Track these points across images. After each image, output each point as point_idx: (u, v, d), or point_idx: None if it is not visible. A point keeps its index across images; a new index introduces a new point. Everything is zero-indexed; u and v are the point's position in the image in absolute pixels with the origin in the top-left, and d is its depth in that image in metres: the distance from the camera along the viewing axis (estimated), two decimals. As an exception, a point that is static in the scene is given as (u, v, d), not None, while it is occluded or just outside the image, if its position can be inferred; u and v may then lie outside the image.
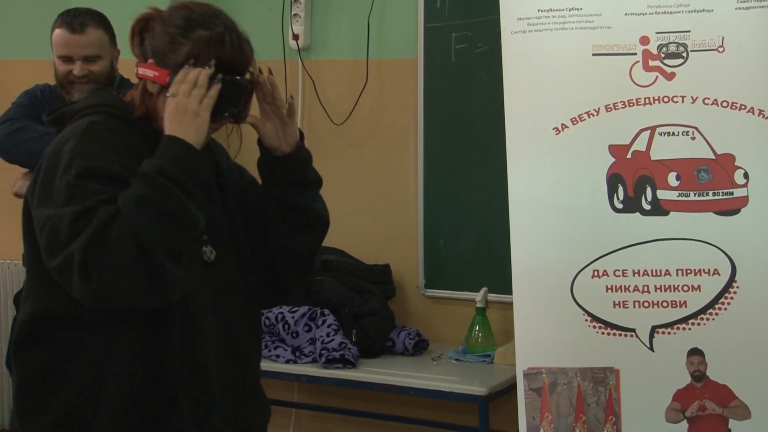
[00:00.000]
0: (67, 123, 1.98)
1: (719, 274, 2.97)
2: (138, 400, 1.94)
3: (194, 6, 1.97)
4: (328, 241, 3.87)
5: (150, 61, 1.93)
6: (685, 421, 2.95)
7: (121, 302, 1.83)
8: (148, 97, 1.95)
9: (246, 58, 1.95)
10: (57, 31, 3.30)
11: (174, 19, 1.94)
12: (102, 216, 1.78)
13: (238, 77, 1.94)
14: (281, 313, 3.66)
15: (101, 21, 3.31)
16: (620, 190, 3.03)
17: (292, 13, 3.91)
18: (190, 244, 1.87)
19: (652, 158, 3.04)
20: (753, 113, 3.01)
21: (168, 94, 1.86)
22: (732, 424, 2.95)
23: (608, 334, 2.97)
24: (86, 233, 1.77)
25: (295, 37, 3.91)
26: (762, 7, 3.03)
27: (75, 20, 3.27)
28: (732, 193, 3.00)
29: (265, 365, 3.53)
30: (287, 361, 3.58)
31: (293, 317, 3.61)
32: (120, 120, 1.95)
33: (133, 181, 1.81)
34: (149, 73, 1.92)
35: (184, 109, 1.87)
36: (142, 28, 1.97)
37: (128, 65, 3.40)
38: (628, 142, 3.05)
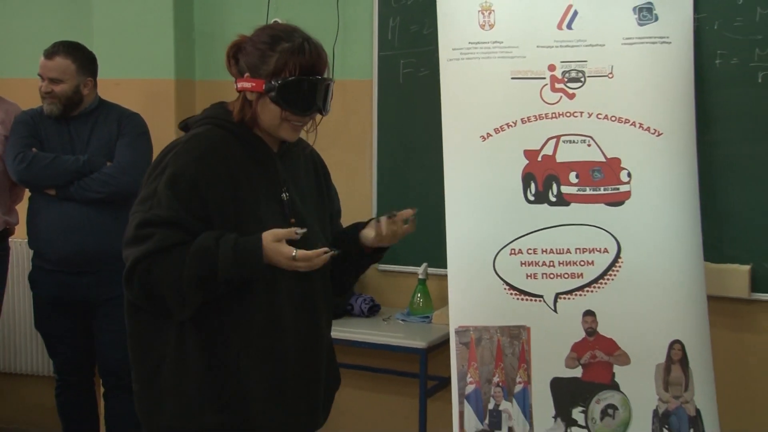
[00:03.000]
0: (190, 129, 2.05)
1: (608, 252, 3.04)
2: (203, 377, 1.98)
3: (276, 25, 2.09)
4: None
5: (246, 75, 1.97)
6: (580, 367, 3.00)
7: (154, 309, 2.00)
8: (248, 105, 1.99)
9: (323, 60, 1.99)
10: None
11: (261, 37, 1.99)
12: (163, 241, 1.90)
13: (319, 77, 1.99)
14: None
15: (72, 53, 3.36)
16: (532, 185, 3.08)
17: (272, 42, 3.95)
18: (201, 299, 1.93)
19: (557, 161, 3.09)
20: (635, 126, 3.09)
21: (291, 257, 1.89)
22: (616, 368, 3.00)
23: (522, 299, 3.05)
24: (144, 247, 1.91)
25: (274, 62, 3.94)
26: (642, 43, 3.11)
27: (52, 49, 3.36)
28: (618, 189, 3.06)
29: None
30: None
31: None
32: (222, 129, 2.00)
33: (210, 234, 1.92)
34: (247, 84, 1.96)
35: (291, 267, 1.93)
36: (235, 52, 2.02)
37: (107, 86, 3.50)
38: (538, 148, 3.10)
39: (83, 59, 3.38)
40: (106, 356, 3.48)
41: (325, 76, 2.02)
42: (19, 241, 3.85)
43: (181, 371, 1.99)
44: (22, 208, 3.64)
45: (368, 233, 2.15)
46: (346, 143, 3.89)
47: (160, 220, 1.89)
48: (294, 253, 1.89)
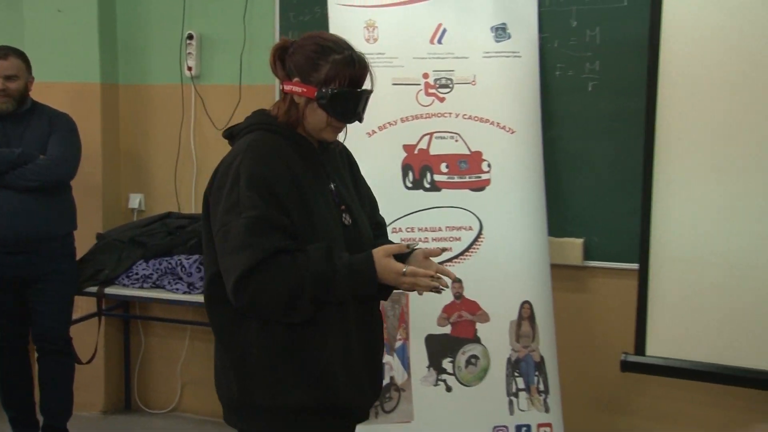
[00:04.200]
0: (236, 139, 1.90)
1: (472, 230, 3.06)
2: (291, 358, 1.81)
3: (323, 35, 1.91)
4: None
5: (296, 79, 1.84)
6: (450, 325, 3.02)
7: (257, 316, 1.79)
8: (294, 107, 1.86)
9: (367, 72, 1.87)
10: None
11: (309, 45, 1.85)
12: (271, 246, 1.71)
13: (365, 89, 1.88)
14: (179, 259, 3.52)
15: (20, 54, 3.29)
16: (410, 174, 3.07)
17: (187, 52, 3.84)
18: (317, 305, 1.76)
19: (431, 153, 3.09)
20: (494, 125, 3.10)
21: (402, 273, 1.74)
22: (478, 326, 3.04)
23: (402, 270, 3.03)
24: (253, 255, 1.70)
25: (189, 68, 3.84)
26: (498, 56, 3.12)
27: (2, 51, 3.25)
28: (480, 177, 3.08)
29: (167, 296, 3.51)
30: (184, 293, 3.46)
31: (188, 262, 3.48)
32: (272, 133, 1.87)
33: (323, 255, 1.74)
34: (297, 89, 1.83)
35: (397, 283, 1.78)
36: (280, 54, 1.89)
37: (39, 88, 3.38)
38: (415, 143, 3.09)
39: (27, 60, 3.32)
40: (40, 325, 3.39)
41: (366, 88, 1.90)
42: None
43: (269, 352, 1.82)
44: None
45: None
46: None
47: (254, 222, 1.72)
48: (404, 270, 1.77)
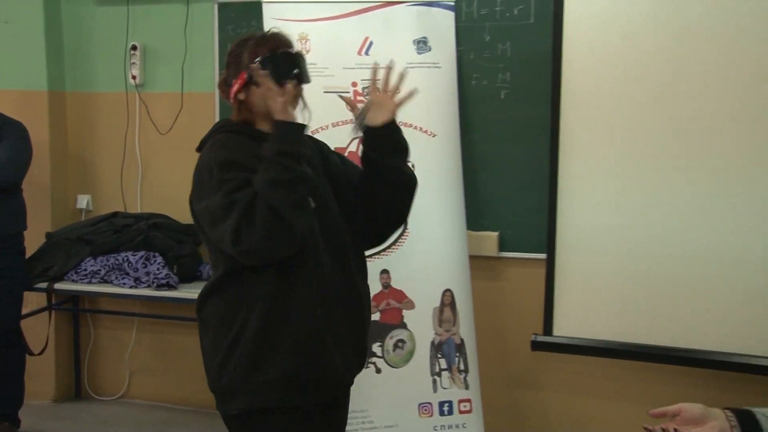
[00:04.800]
0: (204, 146, 1.85)
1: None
2: (271, 335, 1.75)
3: (243, 35, 1.88)
4: (159, 208, 3.78)
5: (233, 81, 1.81)
6: (379, 312, 3.01)
7: (264, 255, 1.69)
8: (243, 104, 1.82)
9: (286, 38, 1.81)
10: None
11: (231, 51, 1.83)
12: (243, 201, 1.64)
13: (288, 50, 1.80)
14: (126, 255, 3.47)
15: None
16: None
17: (131, 62, 3.75)
18: (307, 193, 1.71)
19: (361, 155, 3.09)
20: (417, 129, 3.08)
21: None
22: (404, 312, 3.03)
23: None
24: (235, 215, 1.64)
25: (134, 77, 3.76)
26: (420, 67, 3.10)
27: None
28: None
29: (114, 290, 3.47)
30: (131, 287, 3.42)
31: (134, 258, 3.47)
32: (233, 132, 1.82)
33: (259, 166, 1.67)
34: (234, 87, 1.80)
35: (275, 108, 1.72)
36: (223, 80, 1.86)
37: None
38: (345, 146, 3.02)
39: None
40: None
41: (294, 50, 1.83)
42: None
43: (258, 332, 1.76)
44: None
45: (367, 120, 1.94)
46: (193, 143, 3.58)
47: (233, 188, 1.67)
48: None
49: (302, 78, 1.81)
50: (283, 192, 1.66)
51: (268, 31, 1.85)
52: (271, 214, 1.64)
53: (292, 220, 1.66)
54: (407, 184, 1.99)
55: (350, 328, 1.89)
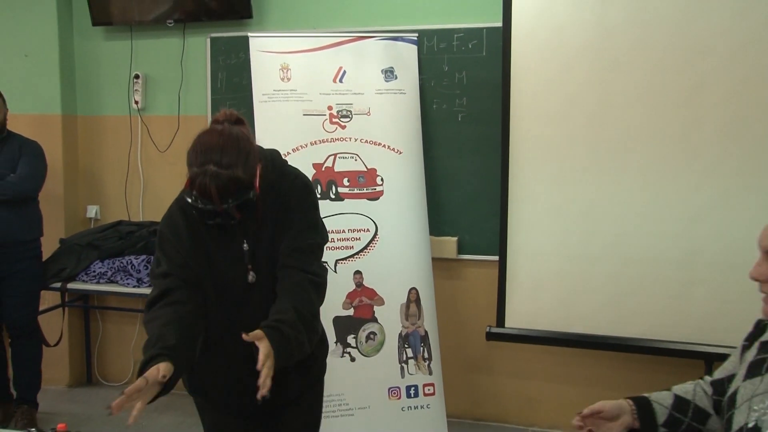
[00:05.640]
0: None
1: (369, 231, 3.05)
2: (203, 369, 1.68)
3: (201, 140, 1.55)
4: (159, 217, 3.71)
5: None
6: (352, 308, 2.99)
7: None
8: None
9: (210, 195, 1.50)
10: None
11: (192, 147, 1.56)
12: (158, 288, 1.60)
13: (207, 207, 1.53)
14: (129, 259, 3.42)
15: None
16: (318, 187, 3.01)
17: (134, 89, 3.70)
18: None
19: (335, 170, 3.06)
20: (385, 147, 3.10)
21: None
22: (375, 308, 3.02)
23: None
24: (152, 291, 1.60)
25: (136, 102, 3.71)
26: (388, 93, 3.12)
27: None
28: (375, 189, 3.07)
29: (120, 289, 3.44)
30: (134, 287, 3.37)
31: (137, 261, 3.42)
32: (183, 206, 1.65)
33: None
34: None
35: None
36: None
37: (10, 119, 3.25)
38: (322, 161, 3.05)
39: (2, 97, 3.22)
40: (9, 315, 3.29)
41: (213, 206, 1.53)
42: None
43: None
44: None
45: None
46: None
47: (152, 272, 1.65)
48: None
49: (218, 217, 1.56)
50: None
51: (202, 172, 1.52)
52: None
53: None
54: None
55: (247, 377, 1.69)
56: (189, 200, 1.55)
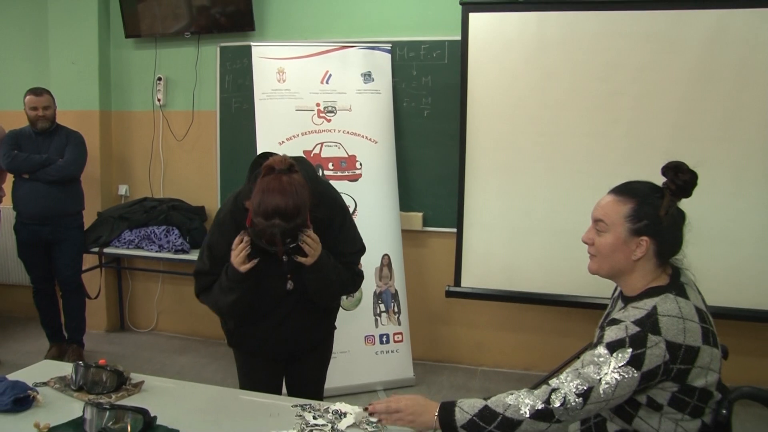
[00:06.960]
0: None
1: (350, 207, 2.95)
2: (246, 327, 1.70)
3: (267, 195, 1.43)
4: (177, 194, 3.69)
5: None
6: None
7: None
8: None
9: (274, 241, 1.44)
10: (29, 96, 3.13)
11: (256, 195, 1.45)
12: (203, 283, 1.64)
13: (273, 249, 1.48)
14: (152, 228, 3.39)
15: (48, 92, 3.18)
16: None
17: (157, 89, 3.63)
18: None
19: (322, 156, 3.01)
20: (363, 137, 3.05)
21: None
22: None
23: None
24: (196, 289, 1.67)
25: (159, 99, 3.65)
26: (366, 93, 3.07)
27: (37, 90, 3.15)
28: (355, 172, 3.02)
29: (145, 254, 3.42)
30: (156, 251, 3.33)
31: (159, 231, 3.38)
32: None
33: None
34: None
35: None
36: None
37: (58, 113, 3.23)
38: (311, 149, 3.01)
39: (53, 96, 3.23)
40: (60, 273, 3.33)
41: (276, 248, 1.48)
42: (6, 207, 3.55)
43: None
44: (8, 186, 3.35)
45: None
46: (202, 148, 3.66)
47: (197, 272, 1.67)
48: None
49: (282, 253, 1.55)
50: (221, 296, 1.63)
51: (270, 229, 1.45)
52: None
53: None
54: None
55: (293, 332, 1.74)
56: (254, 239, 1.50)
